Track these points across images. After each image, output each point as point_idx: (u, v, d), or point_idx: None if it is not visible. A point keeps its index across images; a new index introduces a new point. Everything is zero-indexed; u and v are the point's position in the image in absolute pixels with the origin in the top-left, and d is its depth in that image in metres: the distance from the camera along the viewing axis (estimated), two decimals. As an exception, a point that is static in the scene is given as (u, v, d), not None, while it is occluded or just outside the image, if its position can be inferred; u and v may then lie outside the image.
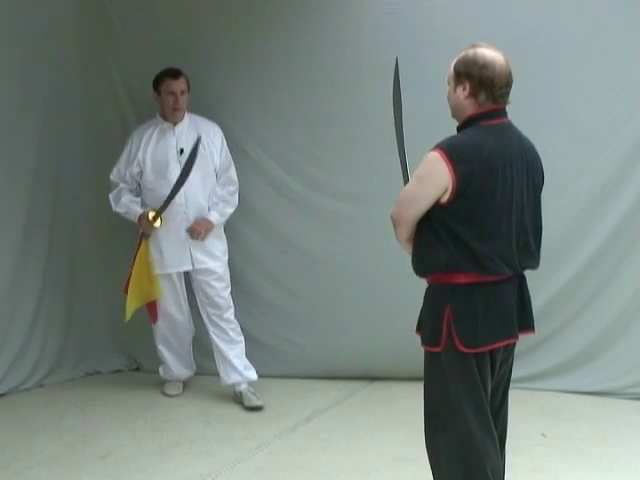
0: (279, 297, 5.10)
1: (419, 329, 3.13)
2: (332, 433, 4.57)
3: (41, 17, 5.35)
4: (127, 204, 5.00)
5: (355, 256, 5.31)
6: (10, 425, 4.78)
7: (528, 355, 4.95)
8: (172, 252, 4.97)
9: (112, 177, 5.06)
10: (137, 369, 5.87)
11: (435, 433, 3.06)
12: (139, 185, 5.08)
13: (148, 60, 5.54)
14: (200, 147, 4.82)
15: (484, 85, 2.96)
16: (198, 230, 4.91)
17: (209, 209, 5.00)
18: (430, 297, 3.07)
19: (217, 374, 5.09)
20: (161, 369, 5.33)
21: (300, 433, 4.61)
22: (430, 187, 2.93)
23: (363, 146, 5.17)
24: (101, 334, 5.84)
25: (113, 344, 5.88)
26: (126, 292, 4.97)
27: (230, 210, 5.08)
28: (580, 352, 5.07)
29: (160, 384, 5.37)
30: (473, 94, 2.99)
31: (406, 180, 3.38)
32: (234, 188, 5.10)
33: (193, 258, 4.98)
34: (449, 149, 2.93)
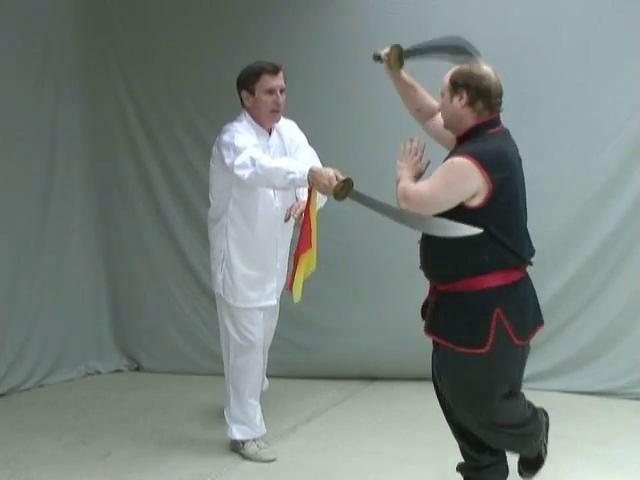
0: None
1: (435, 331, 3.17)
2: (332, 434, 4.57)
3: (41, 17, 5.35)
4: (288, 159, 3.95)
5: (355, 255, 5.31)
6: (10, 425, 4.78)
7: (528, 355, 4.95)
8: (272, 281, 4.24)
9: (254, 154, 3.80)
10: (137, 369, 5.87)
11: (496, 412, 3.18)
12: None
13: (148, 59, 5.55)
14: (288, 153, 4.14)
15: (481, 94, 3.07)
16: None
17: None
18: (466, 303, 3.08)
19: (217, 374, 4.92)
20: (237, 429, 4.26)
21: (300, 433, 4.60)
22: (457, 193, 3.01)
23: (363, 146, 5.16)
24: (101, 334, 5.85)
25: (113, 344, 5.89)
26: (296, 262, 3.73)
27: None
28: (580, 352, 5.07)
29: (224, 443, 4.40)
30: (470, 103, 3.09)
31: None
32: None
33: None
34: (480, 156, 3.00)
